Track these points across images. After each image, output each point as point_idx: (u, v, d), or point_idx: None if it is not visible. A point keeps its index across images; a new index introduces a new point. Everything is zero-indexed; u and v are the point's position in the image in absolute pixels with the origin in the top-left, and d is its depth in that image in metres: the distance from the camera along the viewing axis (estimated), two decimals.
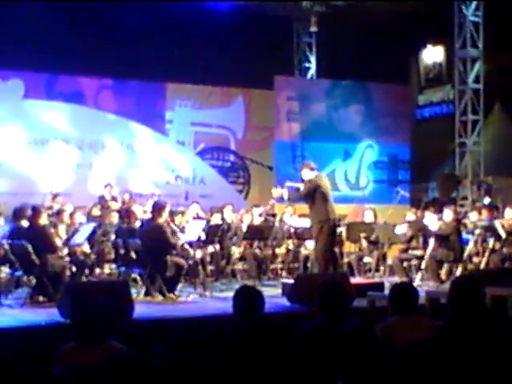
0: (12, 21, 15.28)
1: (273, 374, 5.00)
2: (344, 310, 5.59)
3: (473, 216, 14.14)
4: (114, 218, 13.05)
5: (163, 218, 11.27)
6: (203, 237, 12.05)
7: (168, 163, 18.09)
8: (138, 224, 11.92)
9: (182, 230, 12.12)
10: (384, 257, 13.57)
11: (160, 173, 17.93)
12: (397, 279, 12.14)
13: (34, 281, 10.64)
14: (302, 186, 11.76)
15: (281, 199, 12.46)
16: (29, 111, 16.87)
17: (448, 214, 12.77)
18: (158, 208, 11.35)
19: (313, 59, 19.97)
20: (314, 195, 11.45)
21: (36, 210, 10.85)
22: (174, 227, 11.93)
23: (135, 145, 17.81)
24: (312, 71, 19.96)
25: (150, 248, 10.98)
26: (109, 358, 4.07)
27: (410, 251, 13.47)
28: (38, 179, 16.62)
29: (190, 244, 12.06)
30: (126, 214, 12.90)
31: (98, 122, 17.51)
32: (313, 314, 5.78)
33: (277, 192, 11.96)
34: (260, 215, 14.52)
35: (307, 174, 11.60)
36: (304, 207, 13.09)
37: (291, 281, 11.02)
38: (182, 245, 11.90)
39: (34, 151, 16.82)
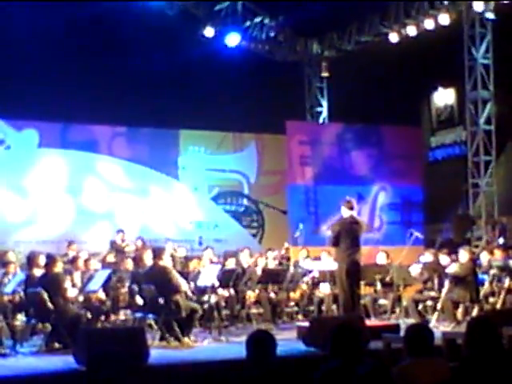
0: (25, 71, 15.47)
1: None
2: (358, 352, 5.56)
3: (484, 256, 14.06)
4: (129, 265, 13.06)
5: (164, 261, 11.28)
6: (217, 282, 12.06)
7: (182, 209, 18.14)
8: None
9: (197, 275, 12.12)
10: (399, 298, 13.52)
11: (174, 218, 17.97)
12: (412, 321, 12.07)
13: (49, 328, 10.66)
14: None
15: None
16: (44, 160, 17.01)
17: (464, 255, 12.73)
18: (157, 252, 11.40)
19: (324, 103, 20.10)
20: (341, 234, 11.45)
21: (51, 258, 10.90)
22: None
23: (149, 191, 17.88)
24: (324, 115, 20.09)
25: (161, 291, 10.98)
26: None
27: (425, 292, 13.41)
28: (52, 227, 16.67)
29: (205, 289, 12.05)
30: (137, 260, 12.93)
31: (112, 168, 17.63)
32: (327, 357, 5.76)
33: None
34: (274, 259, 14.52)
35: (344, 212, 11.61)
36: (317, 250, 13.15)
37: (306, 324, 10.99)
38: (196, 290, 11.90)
39: (49, 199, 16.89)
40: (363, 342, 6.23)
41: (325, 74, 19.74)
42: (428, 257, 14.04)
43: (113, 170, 17.73)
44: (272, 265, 14.21)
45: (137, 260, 13.10)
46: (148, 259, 12.31)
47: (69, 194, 17.17)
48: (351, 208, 11.66)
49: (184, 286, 11.46)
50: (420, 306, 13.25)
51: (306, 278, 14.07)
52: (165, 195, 18.07)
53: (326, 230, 12.15)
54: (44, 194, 16.91)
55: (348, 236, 11.43)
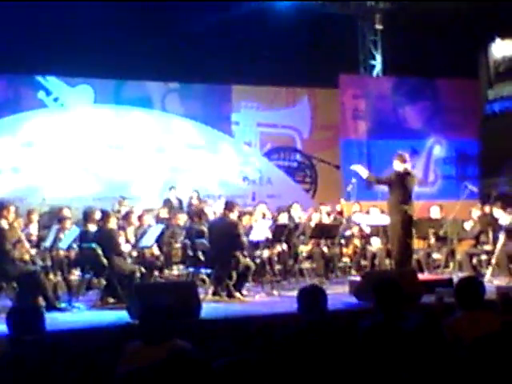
0: (79, 29, 15.54)
1: (336, 369, 5.00)
2: (401, 307, 5.55)
3: None
4: (181, 221, 13.15)
5: (235, 215, 11.35)
6: (270, 236, 12.10)
7: (235, 164, 18.17)
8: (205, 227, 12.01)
9: (249, 231, 12.16)
10: (453, 253, 13.40)
11: (227, 173, 18.02)
12: (466, 275, 11.97)
13: (104, 283, 10.83)
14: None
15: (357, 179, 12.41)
16: (99, 117, 17.15)
17: None
18: (229, 206, 11.44)
19: (378, 57, 19.80)
20: (393, 187, 11.38)
21: (105, 214, 11.04)
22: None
23: (202, 146, 17.93)
24: (377, 69, 19.80)
25: (220, 245, 11.03)
26: (171, 355, 4.11)
27: (479, 246, 13.29)
28: (107, 183, 16.85)
29: (258, 243, 12.10)
30: (197, 214, 13.00)
31: (166, 125, 17.71)
32: (373, 312, 5.77)
33: (357, 167, 11.82)
34: (329, 214, 14.49)
35: (397, 166, 11.53)
36: (370, 205, 13.06)
37: (359, 278, 10.99)
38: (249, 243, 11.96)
39: (106, 156, 17.06)
40: (409, 298, 6.20)
41: (378, 27, 19.44)
42: (476, 212, 13.89)
43: (166, 125, 17.76)
44: (326, 220, 14.18)
45: (194, 214, 13.20)
46: (210, 214, 12.41)
47: (121, 149, 17.27)
48: (404, 161, 11.55)
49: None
50: (474, 260, 13.15)
51: (355, 230, 14.04)
52: (218, 151, 18.07)
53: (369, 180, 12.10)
54: (98, 150, 17.03)
55: (401, 189, 11.35)
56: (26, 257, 10.62)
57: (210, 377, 4.05)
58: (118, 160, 17.19)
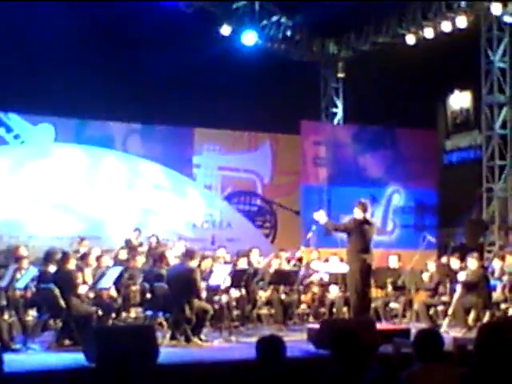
0: (42, 67, 15.53)
1: None
2: (361, 357, 5.55)
3: (496, 263, 13.97)
4: (139, 263, 13.07)
5: (195, 263, 11.34)
6: (229, 282, 12.08)
7: (195, 207, 18.16)
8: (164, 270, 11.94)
9: (209, 275, 12.13)
10: (410, 302, 13.48)
11: (187, 217, 17.99)
12: (423, 325, 12.03)
13: (60, 324, 10.69)
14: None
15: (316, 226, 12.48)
16: (59, 154, 17.06)
17: (472, 263, 12.72)
18: (190, 253, 11.47)
19: (339, 104, 20.06)
20: (351, 235, 11.45)
21: (65, 255, 10.96)
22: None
23: (162, 189, 17.89)
24: (339, 116, 20.04)
25: (178, 291, 10.99)
26: None
27: (436, 297, 13.38)
28: (66, 222, 16.70)
29: (217, 288, 12.05)
30: (158, 258, 12.94)
31: (127, 165, 17.67)
32: (334, 360, 5.77)
33: (318, 214, 11.86)
34: (288, 261, 14.51)
35: (357, 213, 11.60)
36: (329, 252, 13.12)
37: (317, 326, 10.98)
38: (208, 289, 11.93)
39: (63, 194, 16.92)
40: (367, 347, 6.20)
41: (341, 75, 19.72)
42: (431, 264, 14.00)
43: (126, 167, 17.73)
44: (285, 266, 14.19)
45: (155, 257, 13.14)
46: (172, 258, 12.36)
47: (83, 188, 17.16)
48: (365, 210, 11.64)
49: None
50: (431, 311, 13.22)
51: (314, 277, 14.06)
52: (178, 193, 18.05)
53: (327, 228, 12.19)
54: (59, 189, 16.91)
55: (360, 237, 11.41)
56: None
57: None
58: (84, 198, 17.10)
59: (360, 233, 11.43)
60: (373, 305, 13.69)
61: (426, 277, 13.64)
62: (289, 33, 18.52)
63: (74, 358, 9.20)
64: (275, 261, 14.07)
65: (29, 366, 8.76)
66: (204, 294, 11.70)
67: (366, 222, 11.60)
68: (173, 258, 12.63)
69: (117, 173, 17.57)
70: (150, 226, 16.77)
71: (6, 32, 15.23)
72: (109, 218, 17.19)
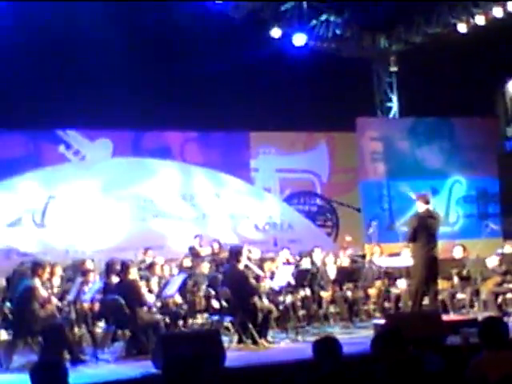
0: (97, 82, 15.73)
1: None
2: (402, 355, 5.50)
3: None
4: (205, 269, 13.19)
5: (241, 263, 11.37)
6: (293, 282, 12.11)
7: (256, 211, 18.21)
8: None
9: (272, 276, 12.16)
10: (477, 292, 13.31)
11: (248, 220, 18.05)
12: (491, 314, 11.86)
13: (128, 334, 10.83)
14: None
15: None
16: (116, 169, 17.29)
17: None
18: (234, 253, 11.51)
19: (394, 98, 19.91)
20: (417, 229, 11.37)
21: (125, 265, 11.08)
22: (258, 270, 11.99)
23: (222, 195, 17.99)
24: (394, 110, 19.90)
25: (237, 294, 11.07)
26: None
27: (504, 285, 13.19)
28: (130, 234, 16.91)
29: (280, 290, 12.09)
30: (221, 262, 13.03)
31: (186, 174, 17.82)
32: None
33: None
34: (346, 255, 14.50)
35: (420, 207, 11.53)
36: (391, 247, 13.06)
37: (383, 321, 10.93)
38: (272, 290, 11.96)
39: (119, 207, 17.15)
40: (432, 339, 6.16)
41: (393, 69, 19.58)
42: (508, 248, 13.81)
43: (184, 175, 17.87)
44: (346, 263, 14.16)
45: (218, 263, 13.26)
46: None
47: (143, 201, 17.36)
48: (427, 202, 11.55)
49: (261, 287, 11.57)
50: (499, 299, 13.04)
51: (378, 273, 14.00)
52: (238, 198, 18.12)
53: (403, 226, 12.08)
54: (120, 202, 17.13)
55: (425, 231, 11.33)
56: (53, 314, 10.65)
57: None
58: (143, 210, 17.29)
59: (424, 227, 11.35)
60: (439, 297, 13.59)
61: (491, 263, 13.41)
62: (338, 31, 18.45)
63: (144, 366, 9.29)
64: (329, 258, 14.05)
65: (99, 377, 8.90)
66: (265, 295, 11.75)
67: (429, 215, 11.51)
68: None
69: (174, 182, 17.71)
70: (213, 232, 16.88)
71: (60, 49, 15.52)
72: (171, 227, 17.34)
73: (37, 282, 10.44)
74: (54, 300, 10.76)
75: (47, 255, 15.11)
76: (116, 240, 16.75)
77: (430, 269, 11.34)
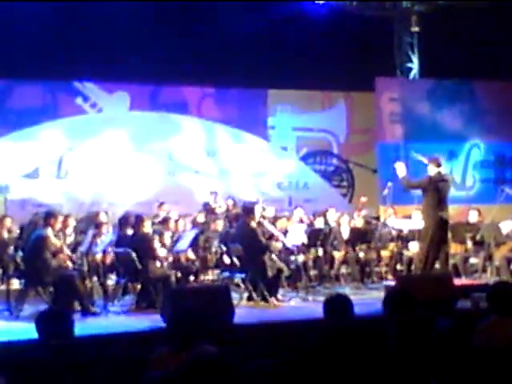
0: (115, 35, 15.63)
1: (364, 375, 4.97)
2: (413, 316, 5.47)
3: None
4: (219, 226, 13.18)
5: (254, 220, 11.35)
6: (306, 241, 12.08)
7: (271, 169, 18.16)
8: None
9: (285, 234, 12.14)
10: (491, 257, 13.24)
11: (263, 178, 18.01)
12: (503, 280, 11.83)
13: (139, 288, 10.88)
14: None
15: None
16: (135, 122, 17.25)
17: None
18: (247, 210, 11.49)
19: (415, 59, 19.65)
20: (427, 192, 11.32)
21: (139, 218, 11.08)
22: (273, 229, 11.95)
23: (237, 151, 17.94)
24: (414, 71, 19.65)
25: (248, 251, 11.08)
26: (194, 360, 4.11)
27: None
28: (145, 187, 16.92)
29: (293, 248, 12.07)
30: (235, 219, 13.02)
31: (203, 130, 17.78)
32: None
33: (399, 166, 11.75)
34: (360, 216, 14.45)
35: (431, 170, 11.47)
36: (406, 209, 12.98)
37: (394, 283, 10.92)
38: (284, 248, 11.96)
39: (141, 161, 17.14)
40: (444, 302, 6.13)
41: (415, 29, 19.31)
42: None
43: (202, 131, 17.83)
44: (360, 224, 14.13)
45: (232, 219, 13.24)
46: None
47: (158, 155, 17.35)
48: (439, 165, 11.47)
49: (273, 245, 11.56)
50: None
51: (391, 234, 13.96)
52: (253, 155, 18.06)
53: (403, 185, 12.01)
54: (136, 156, 17.13)
55: (435, 193, 11.28)
56: (66, 264, 10.71)
57: (235, 382, 4.05)
58: (161, 163, 17.32)
59: (435, 189, 11.30)
60: (452, 261, 13.53)
61: (506, 228, 13.32)
62: None
63: (153, 319, 9.33)
64: (346, 219, 14.02)
65: (109, 329, 8.94)
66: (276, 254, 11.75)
67: (441, 178, 11.43)
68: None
69: (193, 137, 17.67)
70: (229, 189, 16.86)
71: (79, 2, 15.41)
72: (187, 181, 17.34)
73: (49, 231, 10.48)
74: (67, 250, 10.80)
75: (63, 206, 15.18)
76: (131, 193, 16.76)
77: (440, 231, 11.30)
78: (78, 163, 16.72)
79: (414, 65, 19.62)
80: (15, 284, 11.15)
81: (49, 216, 10.67)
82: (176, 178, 17.36)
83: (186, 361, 4.21)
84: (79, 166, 16.72)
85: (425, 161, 11.93)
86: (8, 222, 12.60)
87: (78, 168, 16.70)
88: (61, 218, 10.90)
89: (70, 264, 10.68)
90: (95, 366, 4.97)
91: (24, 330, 8.39)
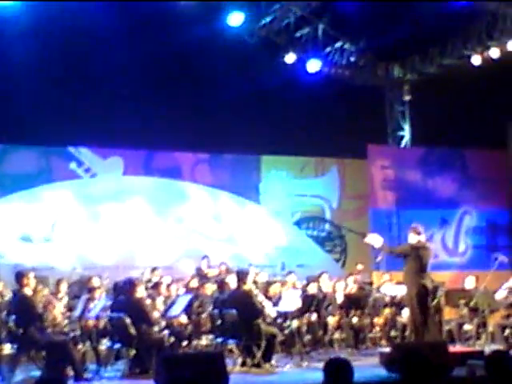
0: (109, 101, 15.79)
1: None
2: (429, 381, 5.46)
3: None
4: (209, 290, 13.13)
5: (248, 285, 11.36)
6: (300, 306, 12.05)
7: (264, 234, 18.19)
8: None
9: (278, 301, 12.11)
10: (484, 324, 13.22)
11: (256, 243, 18.03)
12: (498, 347, 11.79)
13: (133, 353, 10.78)
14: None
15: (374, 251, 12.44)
16: (128, 188, 17.33)
17: None
18: (241, 275, 11.51)
19: (406, 127, 19.91)
20: (408, 259, 11.40)
21: (131, 284, 11.04)
22: (260, 297, 11.93)
23: (230, 217, 18.00)
24: (406, 139, 19.89)
25: (242, 316, 11.04)
26: None
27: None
28: (139, 253, 16.91)
29: (286, 314, 12.04)
30: (221, 284, 12.99)
31: (194, 195, 17.85)
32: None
33: (372, 238, 11.81)
34: (354, 282, 14.44)
35: (412, 238, 11.56)
36: (400, 275, 12.98)
37: (388, 349, 10.87)
38: (278, 314, 11.91)
39: (134, 226, 17.17)
40: (439, 370, 6.11)
41: (407, 98, 19.60)
42: None
43: (197, 196, 17.91)
44: (353, 289, 14.12)
45: (221, 284, 13.19)
46: (232, 282, 12.37)
47: (156, 219, 17.39)
48: (418, 233, 11.62)
49: (268, 309, 11.51)
50: (507, 332, 12.95)
51: (385, 300, 13.95)
52: (246, 221, 18.12)
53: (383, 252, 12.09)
54: (129, 221, 17.17)
55: (416, 261, 11.39)
56: (59, 318, 10.66)
57: None
58: (154, 229, 17.35)
59: (416, 257, 11.42)
60: (447, 327, 13.53)
61: (499, 296, 13.34)
62: (353, 58, 18.49)
63: None
64: (339, 284, 14.01)
65: None
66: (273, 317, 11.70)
67: (421, 246, 11.53)
68: (234, 283, 12.53)
69: (184, 203, 17.73)
70: (220, 254, 16.85)
71: (73, 68, 15.59)
72: (178, 247, 17.34)
73: (26, 290, 10.38)
74: (58, 305, 10.77)
75: (54, 271, 15.14)
76: (124, 258, 16.73)
77: (424, 299, 11.34)
78: (70, 227, 16.72)
79: (406, 133, 19.86)
80: (7, 349, 11.02)
81: (18, 277, 10.48)
82: (155, 240, 17.36)
83: None
84: (72, 229, 16.72)
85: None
86: (0, 286, 12.55)
87: (70, 232, 16.69)
88: (32, 275, 10.60)
89: (60, 318, 10.63)
90: None
91: None
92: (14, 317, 10.53)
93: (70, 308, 11.63)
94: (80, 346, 10.90)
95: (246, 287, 11.32)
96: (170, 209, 17.66)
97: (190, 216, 17.82)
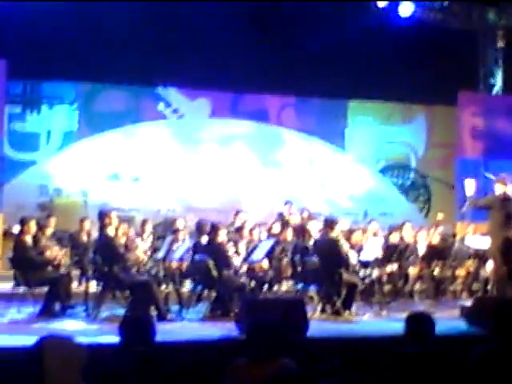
0: (199, 42, 15.82)
1: None
2: None
3: None
4: (290, 236, 13.15)
5: (336, 232, 11.33)
6: (381, 256, 12.02)
7: (348, 180, 18.11)
8: (311, 242, 11.96)
9: (360, 249, 12.09)
10: None
11: (339, 190, 17.98)
12: None
13: (214, 295, 10.96)
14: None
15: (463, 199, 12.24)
16: (215, 130, 17.41)
17: None
18: (329, 223, 11.46)
19: (499, 75, 19.37)
20: (493, 211, 11.21)
21: (215, 227, 11.15)
22: (346, 246, 11.91)
23: (315, 162, 17.95)
24: (498, 87, 19.38)
25: (326, 263, 11.06)
26: (276, 375, 4.16)
27: None
28: (222, 195, 17.06)
29: (367, 263, 12.02)
30: (300, 231, 13.01)
31: (279, 138, 17.84)
32: (489, 338, 5.63)
33: (469, 182, 11.65)
34: (439, 234, 14.29)
35: (498, 189, 11.36)
36: (485, 226, 12.80)
37: (469, 303, 10.78)
38: (359, 263, 11.90)
39: (220, 168, 17.30)
40: None
41: (500, 44, 19.03)
42: None
43: (280, 140, 17.90)
44: (436, 240, 13.99)
45: (301, 231, 13.20)
46: (313, 229, 12.38)
47: (241, 162, 17.52)
48: (505, 185, 11.34)
49: (352, 258, 11.51)
50: None
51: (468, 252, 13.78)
52: (331, 167, 18.06)
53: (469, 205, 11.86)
54: (216, 163, 17.30)
55: (501, 213, 11.14)
56: (142, 256, 10.90)
57: None
58: (235, 172, 17.42)
59: (502, 209, 11.17)
60: None
61: None
62: (446, 2, 18.02)
63: (227, 328, 9.39)
64: (422, 234, 13.88)
65: (183, 336, 9.02)
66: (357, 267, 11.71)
67: (506, 197, 11.29)
68: (316, 230, 12.51)
69: (271, 146, 17.75)
70: (305, 199, 16.86)
71: (166, 8, 15.61)
72: (262, 191, 17.42)
73: (109, 230, 10.64)
74: (140, 244, 11.05)
75: (140, 211, 15.43)
76: (209, 200, 16.92)
77: (506, 251, 11.13)
78: (157, 168, 16.96)
79: (498, 80, 19.33)
80: (93, 287, 11.33)
81: (101, 216, 10.79)
82: (248, 185, 17.46)
83: (266, 374, 4.27)
84: (157, 170, 16.96)
85: (492, 177, 11.81)
86: (87, 225, 12.84)
87: (155, 173, 16.93)
88: (114, 214, 10.91)
89: (143, 256, 10.92)
90: (173, 373, 5.04)
91: (102, 331, 8.60)
92: (98, 256, 10.82)
93: (155, 249, 11.87)
94: (163, 287, 11.11)
95: (333, 235, 11.30)
96: (269, 154, 17.70)
97: (286, 161, 17.83)
